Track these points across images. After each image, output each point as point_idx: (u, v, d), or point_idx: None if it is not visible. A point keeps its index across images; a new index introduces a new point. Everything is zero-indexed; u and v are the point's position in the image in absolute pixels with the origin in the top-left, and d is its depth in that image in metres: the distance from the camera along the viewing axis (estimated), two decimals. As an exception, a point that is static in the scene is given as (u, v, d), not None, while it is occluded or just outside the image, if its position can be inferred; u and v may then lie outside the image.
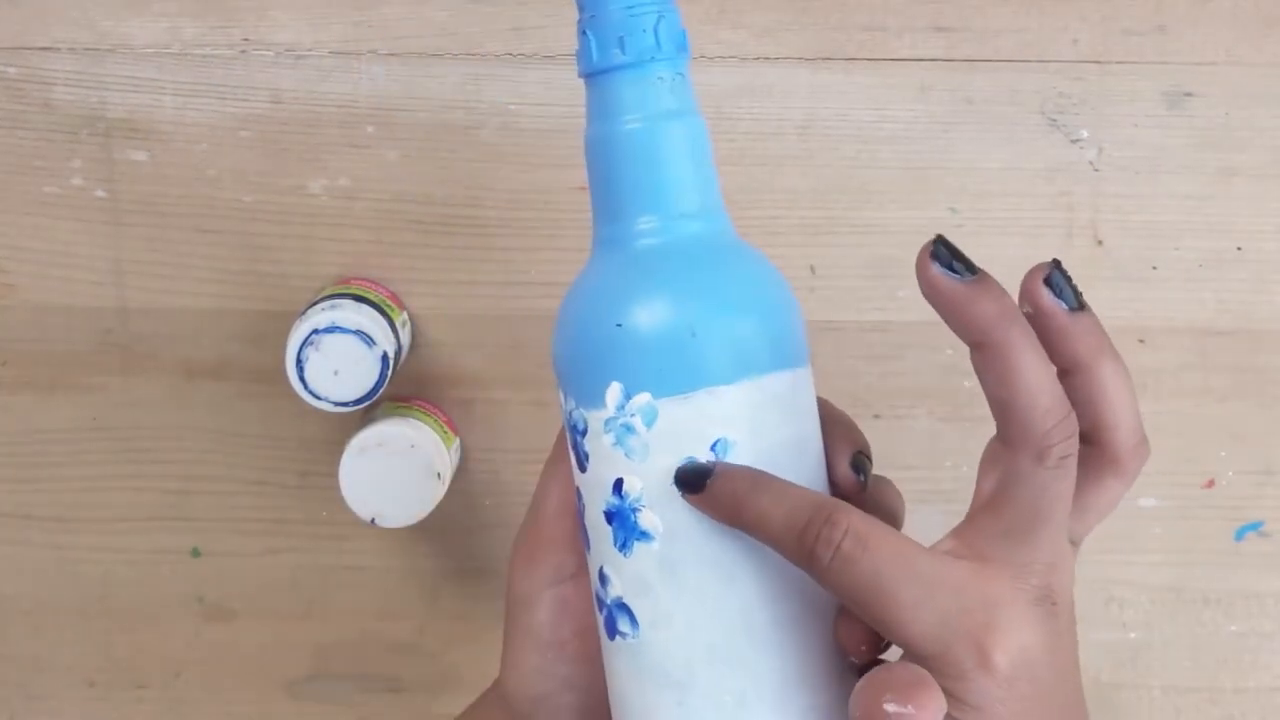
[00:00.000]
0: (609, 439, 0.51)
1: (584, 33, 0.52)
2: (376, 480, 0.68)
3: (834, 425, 0.54)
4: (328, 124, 0.71)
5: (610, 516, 0.52)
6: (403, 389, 0.72)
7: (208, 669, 0.76)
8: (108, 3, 0.70)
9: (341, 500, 0.69)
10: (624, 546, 0.51)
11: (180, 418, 0.73)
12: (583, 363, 0.52)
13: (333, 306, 0.67)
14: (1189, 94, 0.71)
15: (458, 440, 0.72)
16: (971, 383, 0.73)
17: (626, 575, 0.51)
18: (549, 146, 0.71)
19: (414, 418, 0.70)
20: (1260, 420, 0.74)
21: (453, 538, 0.74)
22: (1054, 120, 0.71)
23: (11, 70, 0.70)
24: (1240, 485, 0.74)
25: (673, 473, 0.50)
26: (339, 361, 0.66)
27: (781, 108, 0.71)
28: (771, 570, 0.50)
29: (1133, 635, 0.75)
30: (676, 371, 0.50)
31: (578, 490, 0.53)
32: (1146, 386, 0.73)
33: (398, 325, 0.69)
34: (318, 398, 0.67)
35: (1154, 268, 0.72)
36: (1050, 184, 0.72)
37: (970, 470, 0.73)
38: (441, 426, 0.71)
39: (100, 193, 0.71)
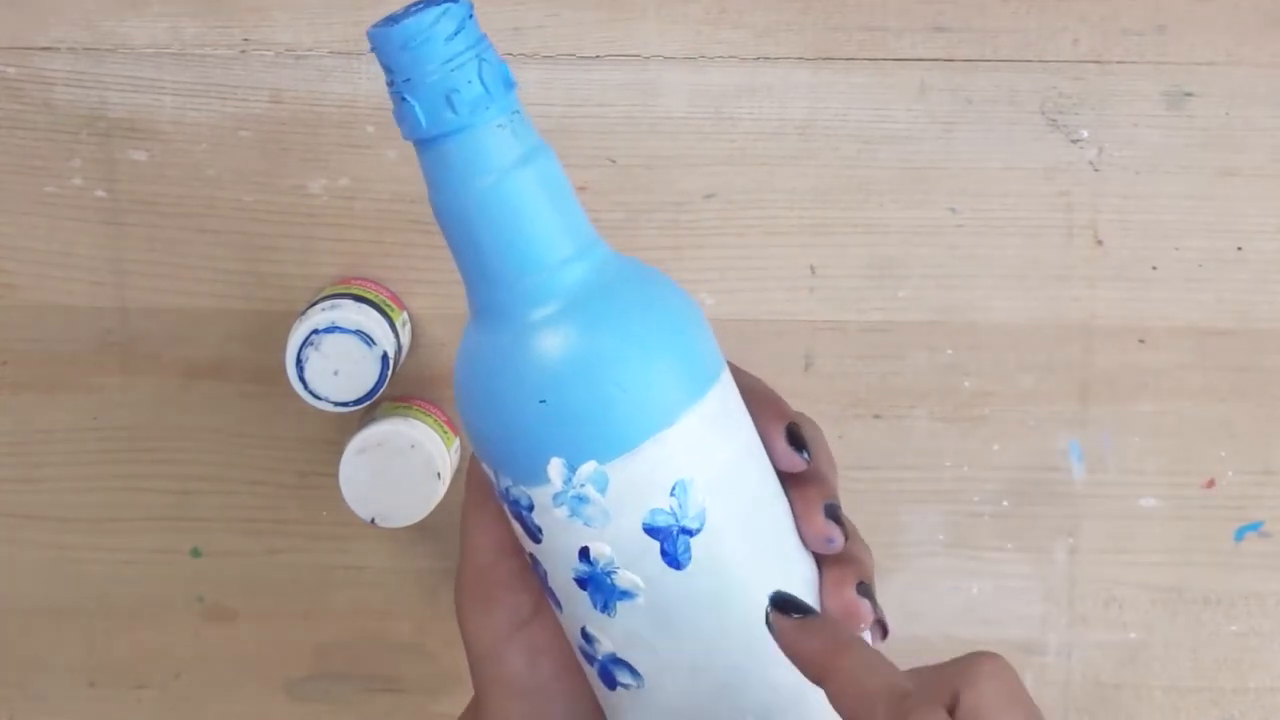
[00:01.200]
0: (562, 512, 0.48)
1: (402, 98, 0.47)
2: (376, 480, 0.68)
3: (756, 402, 0.52)
4: (328, 124, 0.71)
5: (584, 583, 0.50)
6: (403, 389, 0.72)
7: (208, 669, 0.76)
8: (108, 3, 0.70)
9: (341, 500, 0.69)
10: (605, 608, 0.50)
11: (180, 418, 0.73)
12: (512, 443, 0.49)
13: (333, 306, 0.67)
14: (1189, 94, 0.71)
15: (458, 440, 0.72)
16: (971, 383, 0.73)
17: (615, 633, 0.50)
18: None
19: (414, 418, 0.70)
20: (1260, 420, 0.74)
21: (453, 538, 0.74)
22: (1054, 120, 0.71)
23: (11, 70, 0.70)
24: (1240, 485, 0.74)
25: (641, 528, 0.48)
26: (339, 361, 0.66)
27: (781, 108, 0.71)
28: (754, 572, 0.50)
29: (1133, 635, 0.75)
30: (616, 432, 0.48)
31: (532, 556, 0.51)
32: (1146, 386, 0.73)
33: (398, 325, 0.69)
34: (318, 398, 0.67)
35: (1154, 268, 0.72)
36: (1050, 184, 0.72)
37: (971, 470, 0.74)
38: (441, 426, 0.71)
39: (100, 193, 0.71)
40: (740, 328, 0.72)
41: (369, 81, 0.70)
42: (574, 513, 0.48)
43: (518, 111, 0.48)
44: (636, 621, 0.49)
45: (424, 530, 0.72)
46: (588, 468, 0.48)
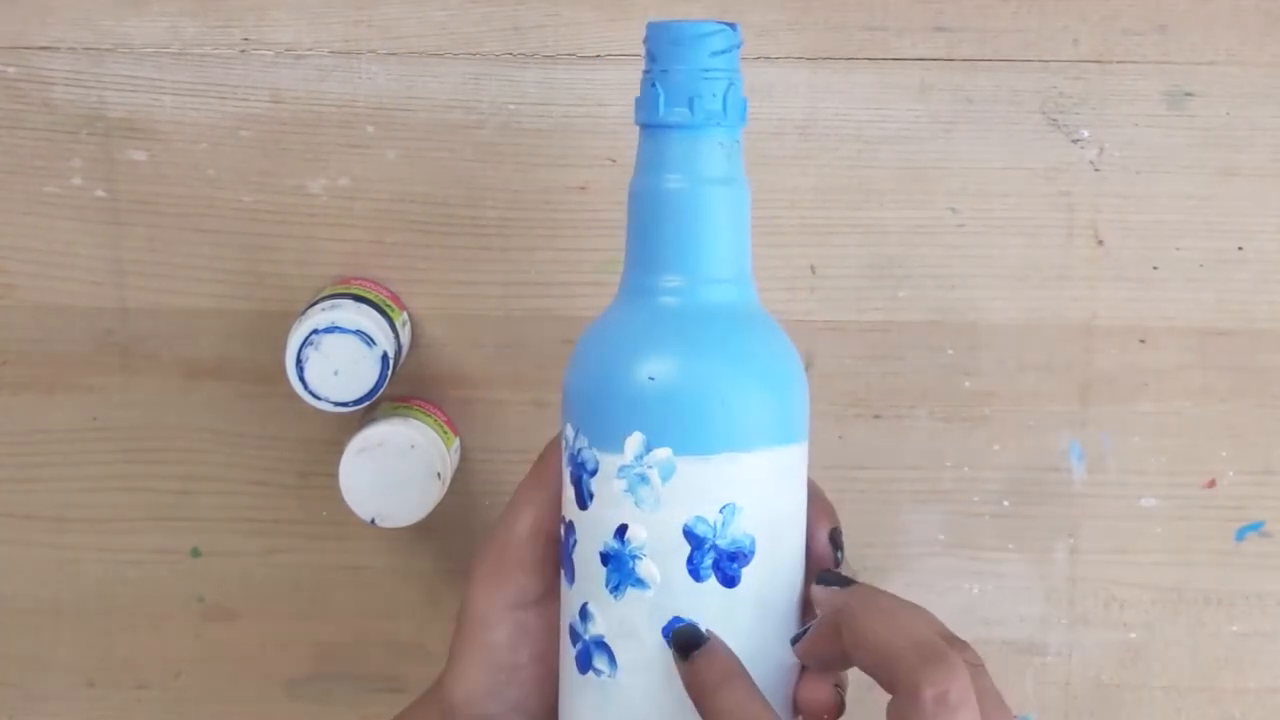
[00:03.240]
0: (620, 484, 0.52)
1: (652, 84, 0.53)
2: (376, 480, 0.68)
3: (814, 498, 0.55)
4: (328, 124, 0.71)
5: (606, 558, 0.53)
6: (403, 389, 0.72)
7: (208, 669, 0.76)
8: (108, 2, 0.70)
9: (341, 500, 0.69)
10: (616, 589, 0.53)
11: (180, 418, 0.73)
12: (605, 407, 0.53)
13: (333, 306, 0.67)
14: (1189, 94, 0.71)
15: (458, 440, 0.72)
16: (971, 383, 0.73)
17: (613, 617, 0.53)
18: (549, 146, 0.71)
19: (414, 418, 0.70)
20: (1260, 420, 0.74)
21: (453, 538, 0.74)
22: (1054, 120, 0.71)
23: (11, 70, 0.70)
24: (1240, 485, 0.74)
25: (680, 528, 0.52)
26: (339, 361, 0.66)
27: (781, 108, 0.71)
28: (754, 637, 0.52)
29: (1133, 635, 0.75)
30: (701, 433, 0.51)
31: (569, 523, 0.54)
32: (1147, 386, 0.73)
33: (398, 325, 0.69)
34: (318, 398, 0.67)
35: (1154, 268, 0.72)
36: (1050, 184, 0.72)
37: (970, 470, 0.74)
38: (441, 426, 0.71)
39: (100, 193, 0.71)
40: (740, 328, 0.72)
41: (369, 81, 0.70)
42: (631, 488, 0.52)
43: (738, 142, 0.54)
44: (637, 613, 0.52)
45: (424, 530, 0.72)
46: (662, 452, 0.51)
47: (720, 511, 0.52)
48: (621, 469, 0.52)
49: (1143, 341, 0.73)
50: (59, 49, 0.70)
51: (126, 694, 0.76)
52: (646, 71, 0.53)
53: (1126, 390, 0.73)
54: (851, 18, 0.70)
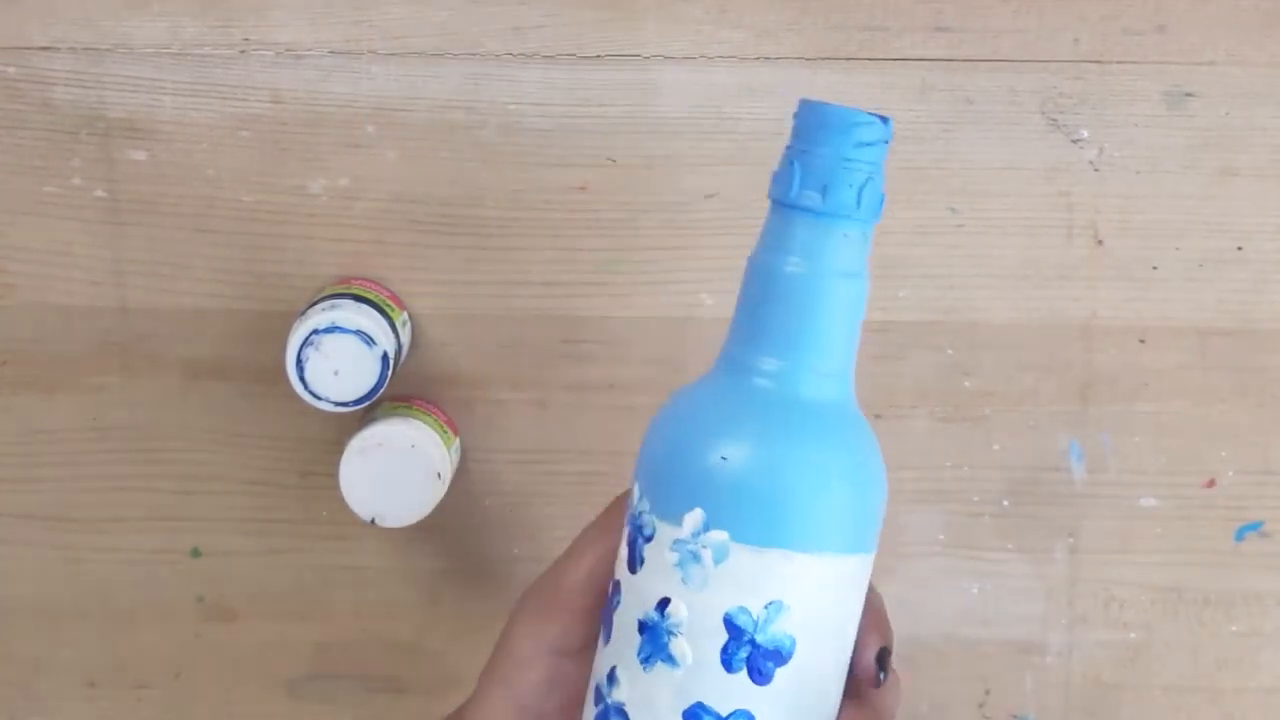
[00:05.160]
0: (672, 557, 0.51)
1: (790, 163, 0.52)
2: (376, 480, 0.68)
3: (871, 611, 0.54)
4: (328, 124, 0.71)
5: (643, 627, 0.52)
6: (403, 389, 0.72)
7: (208, 669, 0.76)
8: (108, 3, 0.70)
9: (341, 500, 0.69)
10: (646, 661, 0.52)
11: (180, 418, 0.73)
12: (674, 475, 0.52)
13: (333, 306, 0.67)
14: (1189, 94, 0.71)
15: (458, 440, 0.72)
16: (971, 383, 0.73)
17: (639, 688, 0.52)
18: (549, 146, 0.71)
19: (414, 418, 0.70)
20: (1260, 420, 0.74)
21: (453, 538, 0.74)
22: (1054, 120, 0.71)
23: (11, 70, 0.70)
24: (1240, 485, 0.74)
25: (721, 615, 0.51)
26: (339, 361, 0.66)
27: (781, 108, 0.71)
28: None
29: (1133, 635, 0.75)
30: (761, 523, 0.50)
31: (617, 583, 0.53)
32: (1147, 386, 0.73)
33: (398, 325, 0.69)
34: (318, 398, 0.67)
35: (1154, 268, 0.72)
36: (1050, 184, 0.72)
37: (971, 470, 0.74)
38: (441, 426, 0.71)
39: (100, 193, 0.71)
40: (740, 328, 0.72)
41: (369, 81, 0.70)
42: (681, 564, 0.51)
43: (867, 236, 0.52)
44: (662, 689, 0.51)
45: (424, 530, 0.72)
46: (719, 535, 0.50)
47: (765, 607, 0.51)
48: (676, 542, 0.51)
49: (1143, 341, 0.73)
50: (59, 49, 0.70)
51: (126, 694, 0.76)
52: (788, 148, 0.52)
53: (1126, 390, 0.73)
54: (851, 18, 0.70)
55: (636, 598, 0.52)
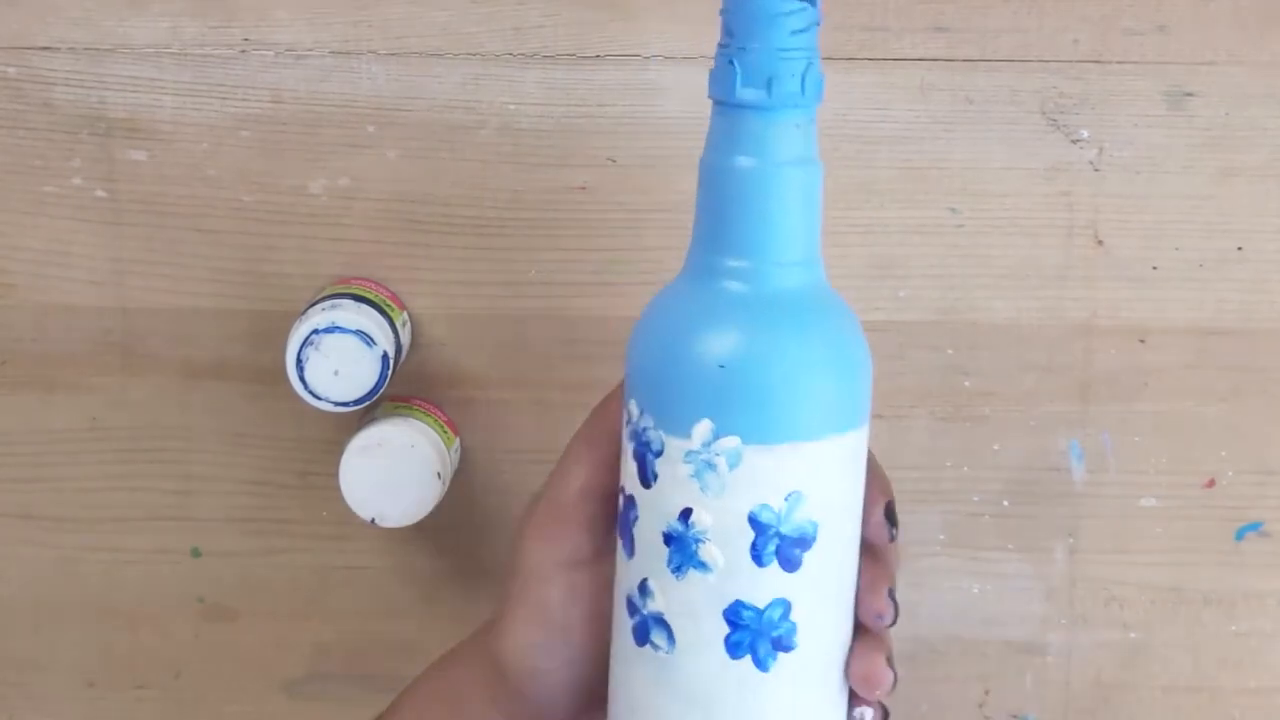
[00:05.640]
0: (687, 469, 0.52)
1: (729, 61, 0.51)
2: (376, 480, 0.68)
3: (870, 473, 0.55)
4: (328, 124, 0.71)
5: (669, 539, 0.52)
6: (403, 389, 0.72)
7: (208, 669, 0.76)
8: (108, 3, 0.70)
9: (341, 500, 0.69)
10: (679, 570, 0.52)
11: (180, 418, 0.73)
12: (674, 390, 0.52)
13: (333, 306, 0.67)
14: (1189, 94, 0.71)
15: (458, 440, 0.72)
16: (971, 383, 0.73)
17: (674, 596, 0.52)
18: (549, 146, 0.71)
19: (414, 418, 0.70)
20: (1260, 420, 0.74)
21: (453, 538, 0.74)
22: (1054, 120, 0.71)
23: (11, 70, 0.70)
24: (1240, 485, 0.74)
25: (746, 515, 0.51)
26: (339, 362, 0.66)
27: (782, 108, 0.71)
28: (813, 619, 0.52)
29: (1133, 635, 0.75)
30: (769, 423, 0.51)
31: (630, 497, 0.54)
32: (1147, 386, 0.73)
33: (398, 325, 0.69)
34: (318, 398, 0.67)
35: (1154, 268, 0.72)
36: (1050, 184, 0.72)
37: (971, 470, 0.74)
38: (441, 426, 0.71)
39: (100, 192, 0.71)
40: (740, 328, 0.72)
41: (369, 81, 0.70)
42: (697, 474, 0.51)
43: (813, 122, 0.52)
44: (698, 594, 0.52)
45: (424, 530, 0.72)
46: (730, 441, 0.51)
47: (785, 499, 0.51)
48: (689, 454, 0.52)
49: (1143, 341, 0.73)
50: (59, 49, 0.70)
51: (126, 694, 0.76)
52: (723, 46, 0.51)
53: (1126, 390, 0.73)
54: (851, 18, 0.70)
55: (656, 511, 0.53)
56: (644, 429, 0.53)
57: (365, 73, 0.70)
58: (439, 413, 0.72)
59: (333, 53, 0.70)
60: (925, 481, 0.74)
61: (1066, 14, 0.70)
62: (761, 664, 0.52)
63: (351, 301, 0.68)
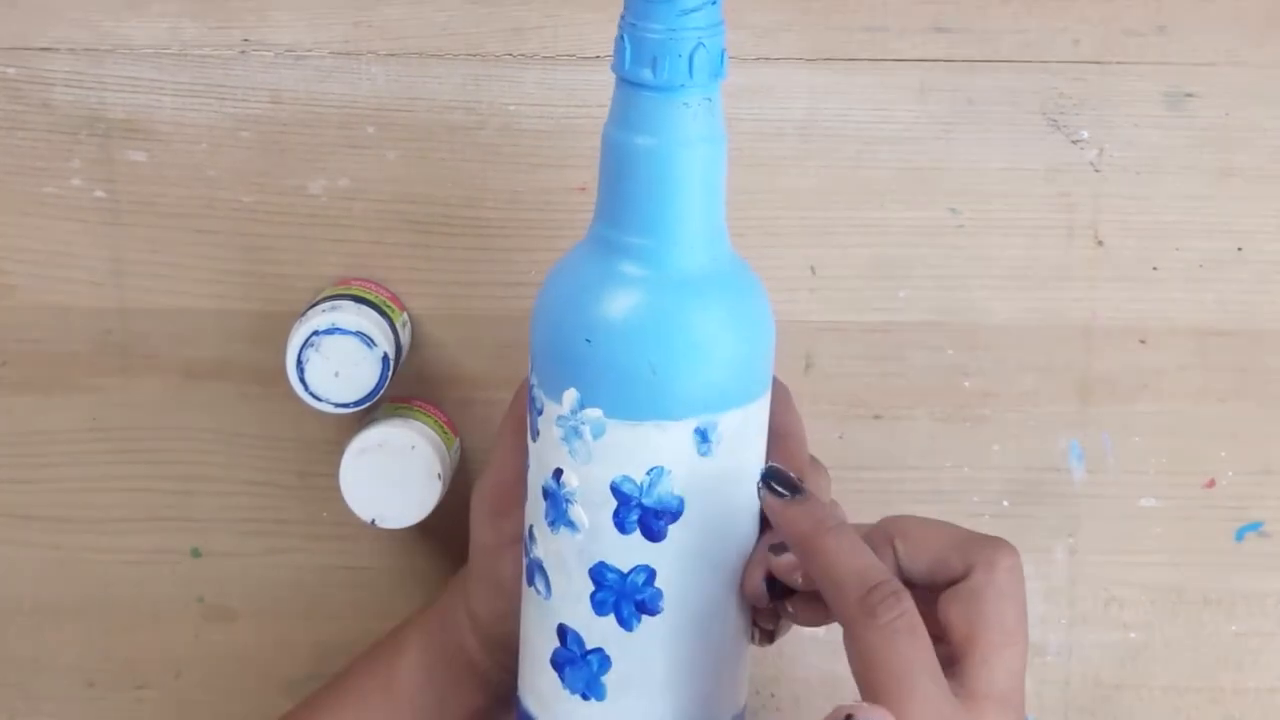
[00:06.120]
0: (558, 432, 0.53)
1: (621, 35, 0.51)
2: (376, 481, 0.68)
3: (772, 438, 0.56)
4: (328, 124, 0.71)
5: (546, 494, 0.54)
6: (402, 389, 0.72)
7: (208, 669, 0.76)
8: (108, 3, 0.70)
9: (342, 501, 0.69)
10: (553, 524, 0.54)
11: (180, 418, 0.73)
12: (550, 356, 0.53)
13: (333, 308, 0.67)
14: (1189, 94, 0.71)
15: (458, 440, 0.72)
16: (971, 383, 0.73)
17: (549, 548, 0.54)
18: (549, 146, 0.71)
19: (414, 418, 0.70)
20: (1260, 420, 0.74)
21: (453, 538, 0.74)
22: (1054, 121, 0.71)
23: (11, 70, 0.70)
24: (1240, 485, 0.74)
25: (608, 484, 0.52)
26: (339, 363, 0.66)
27: (781, 108, 0.71)
28: (681, 588, 0.54)
29: (1133, 635, 0.75)
30: (630, 399, 0.52)
31: (527, 448, 0.56)
32: (1147, 386, 0.73)
33: (398, 326, 0.69)
34: (318, 399, 0.67)
35: (1154, 268, 0.72)
36: (1051, 184, 0.72)
37: (971, 470, 0.74)
38: (441, 427, 0.71)
39: (100, 193, 0.71)
40: (740, 328, 0.72)
41: (369, 81, 0.70)
42: (566, 438, 0.53)
43: (710, 99, 0.51)
44: (568, 549, 0.54)
45: (424, 531, 0.72)
46: (593, 412, 0.52)
47: (648, 473, 0.52)
48: (559, 418, 0.53)
49: (1143, 342, 0.73)
50: (59, 49, 0.70)
51: (126, 694, 0.76)
52: (621, 17, 0.51)
53: (1126, 390, 0.73)
54: (851, 18, 0.70)
55: (539, 465, 0.55)
56: (532, 385, 0.54)
57: (365, 73, 0.70)
58: (439, 413, 0.72)
59: (333, 53, 0.70)
60: (925, 482, 0.74)
61: (1066, 14, 0.70)
62: (625, 624, 0.54)
63: (351, 303, 0.68)
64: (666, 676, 0.54)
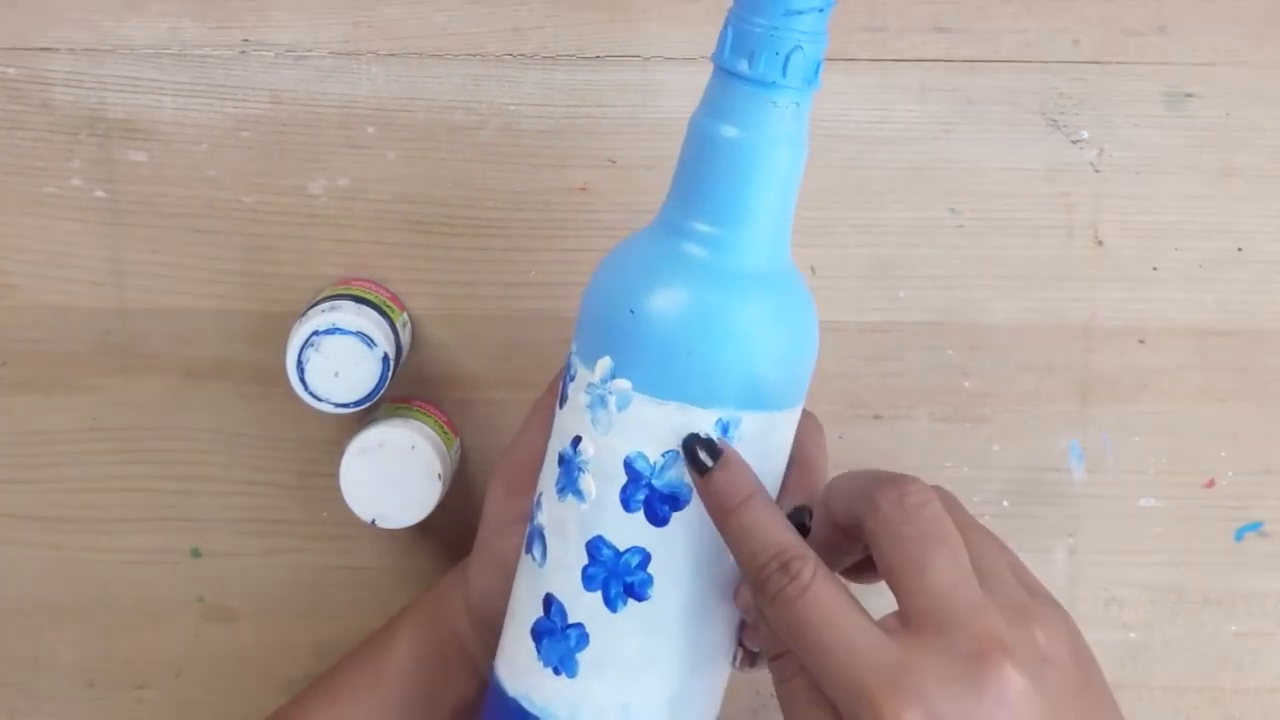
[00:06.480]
0: (584, 399, 0.54)
1: (726, 26, 0.52)
2: (377, 481, 0.68)
3: (804, 468, 0.56)
4: (328, 124, 0.71)
5: (561, 460, 0.55)
6: (403, 390, 0.72)
7: (208, 669, 0.76)
8: (108, 3, 0.70)
9: (342, 501, 0.69)
10: (561, 492, 0.55)
11: (180, 418, 0.73)
12: (592, 322, 0.54)
13: (333, 308, 0.67)
14: (1189, 94, 0.71)
15: (458, 440, 0.72)
16: (971, 383, 0.73)
17: (554, 514, 0.55)
18: (549, 146, 0.71)
19: (414, 418, 0.70)
20: (1260, 420, 0.74)
21: (453, 538, 0.74)
22: (1054, 121, 0.71)
23: (11, 70, 0.70)
24: (1240, 485, 0.74)
25: (622, 458, 0.53)
26: (339, 363, 0.66)
27: (782, 108, 0.71)
28: (673, 580, 0.54)
29: (1133, 635, 0.75)
30: (661, 377, 0.52)
31: (555, 413, 0.56)
32: (1147, 386, 0.73)
33: (398, 326, 0.69)
34: (318, 399, 0.67)
35: (1154, 268, 0.72)
36: (1051, 184, 0.72)
37: (971, 470, 0.74)
38: (441, 427, 0.71)
39: (100, 193, 0.71)
40: (740, 328, 0.72)
41: (369, 81, 0.70)
42: (591, 406, 0.53)
43: (798, 105, 0.52)
44: (570, 518, 0.54)
45: (424, 531, 0.72)
46: (622, 383, 0.53)
47: (663, 454, 0.53)
48: (589, 386, 0.53)
49: (1143, 342, 0.73)
50: (59, 49, 0.70)
51: (126, 694, 0.76)
52: (730, 10, 0.52)
53: (1126, 390, 0.73)
54: (851, 18, 0.70)
55: (560, 432, 0.55)
56: (571, 352, 0.55)
57: (365, 73, 0.70)
58: (439, 413, 0.72)
59: (333, 53, 0.70)
60: (925, 482, 0.74)
61: (1066, 14, 0.70)
62: (610, 604, 0.54)
63: (352, 303, 0.68)
64: (639, 667, 0.54)
